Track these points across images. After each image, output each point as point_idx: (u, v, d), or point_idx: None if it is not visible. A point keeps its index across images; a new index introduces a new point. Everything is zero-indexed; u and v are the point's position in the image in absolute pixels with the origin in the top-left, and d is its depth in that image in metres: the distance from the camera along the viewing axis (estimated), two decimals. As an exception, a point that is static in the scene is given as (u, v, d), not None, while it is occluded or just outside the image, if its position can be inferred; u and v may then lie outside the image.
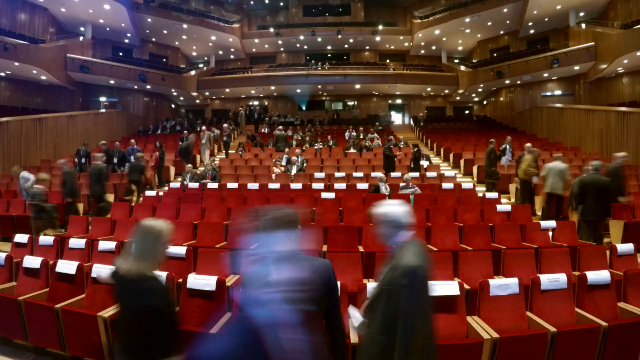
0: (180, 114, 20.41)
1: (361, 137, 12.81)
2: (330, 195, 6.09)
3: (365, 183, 7.02)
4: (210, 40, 18.36)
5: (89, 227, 5.07)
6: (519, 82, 15.92)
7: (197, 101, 19.81)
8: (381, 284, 1.52)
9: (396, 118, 20.89)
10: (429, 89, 19.17)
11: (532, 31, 16.28)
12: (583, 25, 14.04)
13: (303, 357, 1.21)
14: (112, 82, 15.63)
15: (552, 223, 4.52)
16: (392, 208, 1.55)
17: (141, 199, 7.02)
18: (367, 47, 20.54)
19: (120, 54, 17.41)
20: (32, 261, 3.14)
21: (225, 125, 12.31)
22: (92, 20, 15.20)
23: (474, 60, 18.68)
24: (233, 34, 18.40)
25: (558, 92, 15.55)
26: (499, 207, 5.40)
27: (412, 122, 18.39)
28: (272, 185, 6.87)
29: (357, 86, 18.48)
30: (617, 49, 11.31)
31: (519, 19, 15.32)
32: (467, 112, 20.70)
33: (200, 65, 20.61)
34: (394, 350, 1.38)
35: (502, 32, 17.36)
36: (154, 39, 18.40)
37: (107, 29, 16.13)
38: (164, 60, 18.99)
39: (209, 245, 4.12)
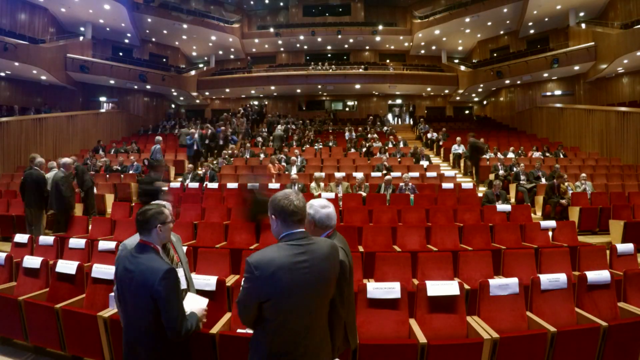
0: (180, 114, 20.41)
1: (361, 136, 12.77)
2: (330, 195, 6.09)
3: (366, 183, 7.00)
4: (210, 40, 18.37)
5: (89, 227, 5.07)
6: (519, 82, 15.93)
7: (197, 101, 19.81)
8: None
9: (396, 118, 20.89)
10: (429, 89, 19.17)
11: (532, 31, 16.28)
12: (583, 25, 14.04)
13: None
14: (112, 82, 15.63)
15: (552, 223, 4.52)
16: (315, 209, 1.71)
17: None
18: (367, 47, 20.54)
19: (120, 54, 17.41)
20: (32, 261, 3.14)
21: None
22: (92, 20, 15.20)
23: (474, 60, 18.68)
24: (233, 34, 18.40)
25: (558, 92, 15.55)
26: (499, 207, 5.40)
27: (412, 122, 18.38)
28: (272, 186, 6.87)
29: (357, 86, 18.49)
30: (617, 49, 11.31)
31: (519, 19, 15.32)
32: (467, 112, 20.70)
33: (200, 65, 20.61)
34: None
35: (502, 32, 17.36)
36: (154, 39, 18.40)
37: (107, 29, 16.13)
38: (164, 60, 18.99)
39: (209, 245, 4.12)
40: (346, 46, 20.37)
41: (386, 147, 10.82)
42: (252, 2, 20.78)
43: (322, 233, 1.71)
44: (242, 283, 1.38)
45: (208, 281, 2.54)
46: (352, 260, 1.74)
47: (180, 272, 1.96)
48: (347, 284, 1.63)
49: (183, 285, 1.96)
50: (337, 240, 1.71)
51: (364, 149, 10.78)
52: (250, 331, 1.49)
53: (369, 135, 12.66)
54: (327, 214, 1.72)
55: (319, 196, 6.04)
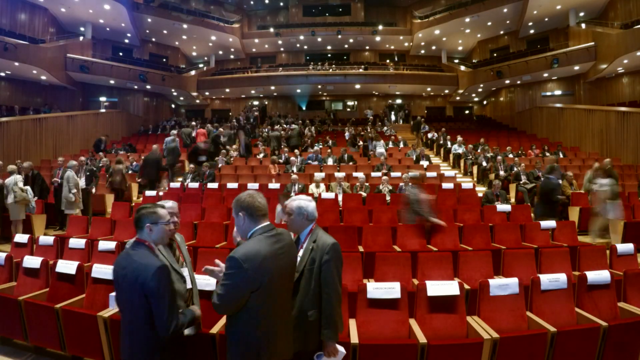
0: (180, 114, 20.41)
1: (361, 136, 12.67)
2: (330, 195, 6.09)
3: (366, 183, 6.99)
4: (210, 40, 18.37)
5: (89, 227, 5.07)
6: (519, 82, 15.93)
7: (197, 101, 19.82)
8: (301, 267, 1.77)
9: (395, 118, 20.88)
10: (429, 89, 19.17)
11: (532, 31, 16.28)
12: (583, 25, 14.05)
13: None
14: (112, 82, 15.63)
15: (552, 223, 4.52)
16: (306, 203, 1.83)
17: (141, 198, 7.02)
18: (367, 47, 20.54)
19: (120, 54, 17.41)
20: (32, 261, 3.14)
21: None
22: (92, 20, 15.20)
23: (474, 60, 18.68)
24: (233, 34, 18.40)
25: (558, 92, 15.55)
26: (499, 207, 5.40)
27: (412, 122, 18.39)
28: (272, 186, 6.87)
29: (357, 86, 18.49)
30: (617, 49, 11.31)
31: (519, 19, 15.32)
32: (467, 112, 20.70)
33: (200, 65, 20.61)
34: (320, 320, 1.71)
35: (502, 32, 17.36)
36: (154, 39, 18.40)
37: (107, 29, 16.13)
38: (164, 60, 18.99)
39: (209, 245, 4.12)
40: (346, 46, 20.36)
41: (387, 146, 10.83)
42: (252, 2, 20.78)
43: (309, 225, 1.85)
44: (225, 279, 1.46)
45: (208, 281, 2.54)
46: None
47: (185, 272, 1.97)
48: (341, 265, 1.83)
49: (189, 285, 1.97)
50: (320, 230, 1.87)
51: (360, 143, 10.80)
52: None
53: (370, 134, 12.61)
54: (314, 206, 1.87)
55: (319, 196, 6.05)
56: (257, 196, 1.62)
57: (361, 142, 11.38)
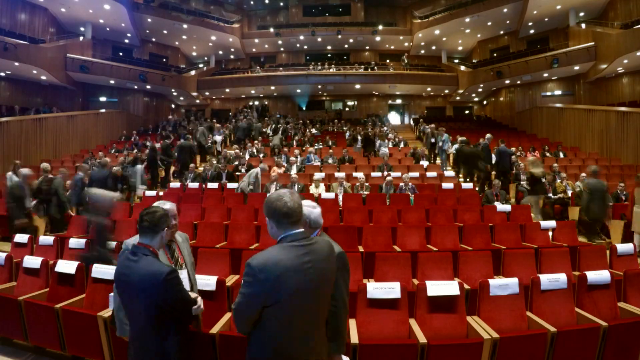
0: (179, 114, 20.40)
1: (369, 130, 12.55)
2: (330, 195, 6.09)
3: (367, 183, 6.99)
4: (210, 40, 18.37)
5: (89, 227, 5.06)
6: (519, 82, 15.92)
7: (197, 101, 19.82)
8: None
9: (395, 118, 20.89)
10: (429, 89, 19.17)
11: (532, 31, 16.28)
12: (583, 25, 14.04)
13: None
14: (112, 82, 15.63)
15: (552, 223, 4.52)
16: (309, 210, 1.68)
17: (139, 199, 7.02)
18: (367, 47, 20.54)
19: (120, 54, 17.41)
20: (32, 261, 3.14)
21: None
22: (92, 20, 15.20)
23: (474, 60, 18.67)
24: (233, 34, 18.41)
25: (558, 92, 15.55)
26: (499, 207, 5.40)
27: (412, 122, 18.39)
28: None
29: (357, 86, 18.49)
30: (617, 49, 11.30)
31: (519, 19, 15.32)
32: (467, 112, 20.69)
33: (200, 65, 20.61)
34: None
35: (502, 32, 17.36)
36: (154, 39, 18.40)
37: (107, 29, 16.13)
38: (164, 60, 18.99)
39: (209, 245, 4.12)
40: (346, 46, 20.36)
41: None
42: (252, 2, 20.78)
43: (312, 232, 1.72)
44: (242, 288, 1.32)
45: (208, 281, 2.54)
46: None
47: (184, 274, 1.95)
48: (349, 275, 1.68)
49: (187, 287, 1.96)
50: (325, 238, 1.74)
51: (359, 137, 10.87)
52: None
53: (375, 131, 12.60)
54: (319, 213, 1.73)
55: (319, 196, 6.05)
56: (287, 199, 1.38)
57: (359, 137, 11.37)
